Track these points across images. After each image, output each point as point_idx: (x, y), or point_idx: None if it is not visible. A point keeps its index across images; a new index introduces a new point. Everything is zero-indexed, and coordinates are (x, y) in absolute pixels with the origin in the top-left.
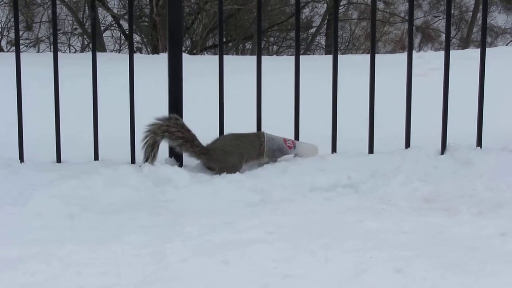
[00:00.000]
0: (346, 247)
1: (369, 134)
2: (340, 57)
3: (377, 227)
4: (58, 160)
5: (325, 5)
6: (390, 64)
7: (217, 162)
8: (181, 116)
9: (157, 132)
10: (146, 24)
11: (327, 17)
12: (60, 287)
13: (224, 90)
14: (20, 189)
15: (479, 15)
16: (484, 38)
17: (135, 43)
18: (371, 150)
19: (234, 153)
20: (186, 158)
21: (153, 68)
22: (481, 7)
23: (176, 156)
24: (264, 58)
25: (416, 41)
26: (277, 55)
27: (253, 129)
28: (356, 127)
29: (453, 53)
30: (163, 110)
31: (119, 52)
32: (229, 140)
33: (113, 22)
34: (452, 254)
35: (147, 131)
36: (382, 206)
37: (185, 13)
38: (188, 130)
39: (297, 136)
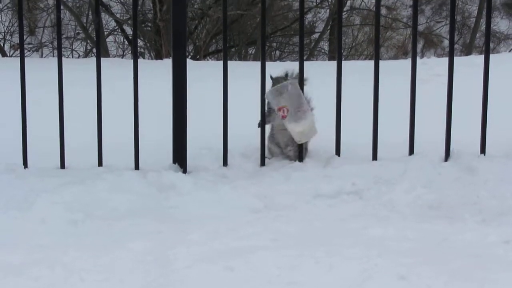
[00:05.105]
0: (350, 254)
1: (373, 141)
2: (343, 63)
3: (381, 234)
4: (62, 166)
5: (328, 10)
6: (394, 70)
7: None
8: (185, 120)
9: None
10: (149, 29)
11: (330, 22)
12: None
13: (228, 95)
14: (24, 194)
15: (482, 20)
16: (488, 44)
17: (138, 48)
18: (375, 157)
19: None
20: (190, 163)
21: (156, 73)
22: (484, 12)
23: (180, 162)
24: (267, 64)
25: (419, 46)
26: (280, 61)
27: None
28: (360, 133)
29: (456, 59)
30: (167, 115)
31: (122, 57)
32: None
33: (116, 27)
34: (456, 261)
35: None
36: (386, 213)
37: (188, 18)
38: None
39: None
